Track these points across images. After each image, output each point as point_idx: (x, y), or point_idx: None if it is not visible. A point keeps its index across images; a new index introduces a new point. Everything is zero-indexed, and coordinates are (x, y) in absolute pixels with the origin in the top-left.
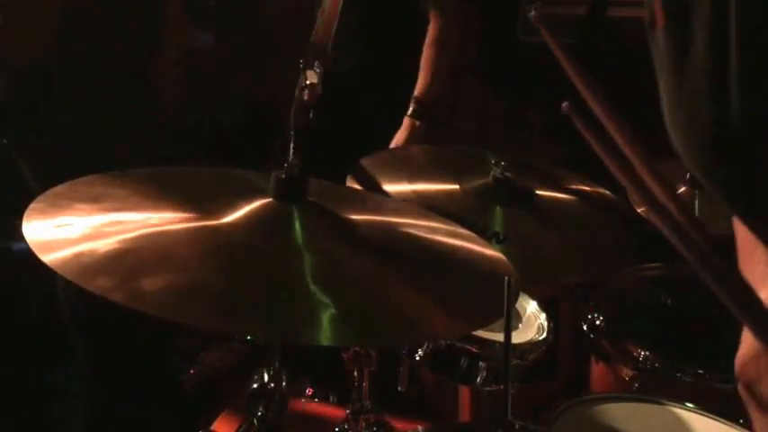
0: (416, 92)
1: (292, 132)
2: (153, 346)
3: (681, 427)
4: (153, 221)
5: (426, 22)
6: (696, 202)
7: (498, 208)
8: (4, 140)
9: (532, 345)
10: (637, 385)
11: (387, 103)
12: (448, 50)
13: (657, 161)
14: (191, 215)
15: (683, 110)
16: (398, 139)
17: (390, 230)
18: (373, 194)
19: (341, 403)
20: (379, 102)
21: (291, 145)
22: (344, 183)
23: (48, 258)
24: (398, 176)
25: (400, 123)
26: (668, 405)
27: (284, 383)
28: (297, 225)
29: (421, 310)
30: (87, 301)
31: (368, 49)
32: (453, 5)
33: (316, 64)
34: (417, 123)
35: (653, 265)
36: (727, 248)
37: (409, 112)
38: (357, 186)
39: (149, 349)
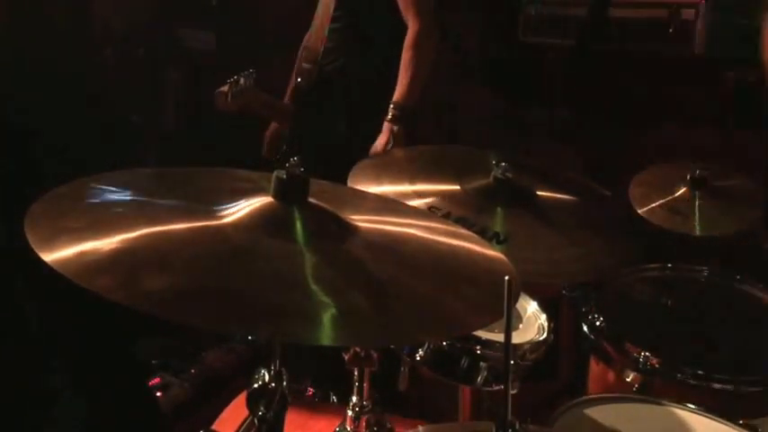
0: (395, 97)
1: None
2: (114, 341)
3: (681, 427)
4: (155, 221)
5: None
6: (697, 203)
7: (499, 208)
8: None
9: (533, 345)
10: (637, 386)
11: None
12: (425, 54)
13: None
14: (192, 215)
15: None
16: (378, 144)
17: (390, 230)
18: (374, 194)
19: (341, 403)
20: (377, 102)
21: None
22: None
23: (50, 257)
24: (400, 177)
25: None
26: (668, 405)
27: (285, 383)
28: (298, 225)
29: (421, 311)
30: (44, 287)
31: (364, 52)
32: (429, 9)
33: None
34: (396, 128)
35: (653, 265)
36: (727, 249)
37: (388, 116)
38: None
39: (109, 341)
